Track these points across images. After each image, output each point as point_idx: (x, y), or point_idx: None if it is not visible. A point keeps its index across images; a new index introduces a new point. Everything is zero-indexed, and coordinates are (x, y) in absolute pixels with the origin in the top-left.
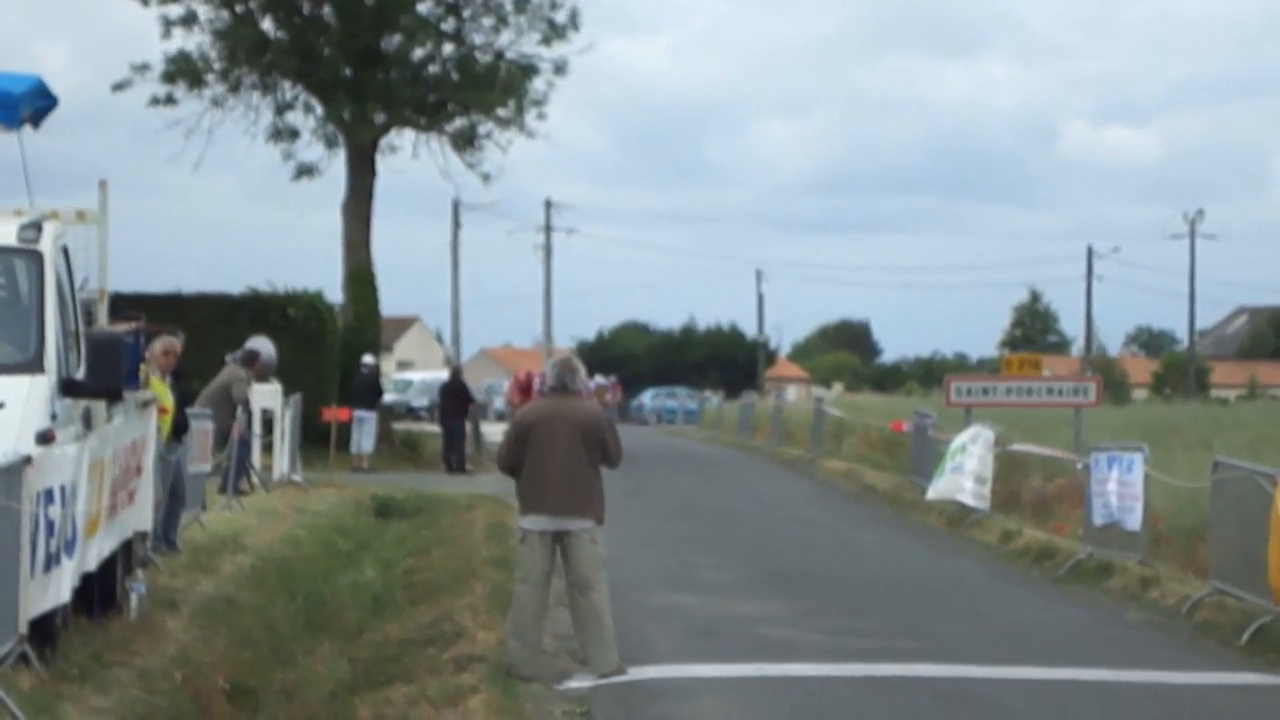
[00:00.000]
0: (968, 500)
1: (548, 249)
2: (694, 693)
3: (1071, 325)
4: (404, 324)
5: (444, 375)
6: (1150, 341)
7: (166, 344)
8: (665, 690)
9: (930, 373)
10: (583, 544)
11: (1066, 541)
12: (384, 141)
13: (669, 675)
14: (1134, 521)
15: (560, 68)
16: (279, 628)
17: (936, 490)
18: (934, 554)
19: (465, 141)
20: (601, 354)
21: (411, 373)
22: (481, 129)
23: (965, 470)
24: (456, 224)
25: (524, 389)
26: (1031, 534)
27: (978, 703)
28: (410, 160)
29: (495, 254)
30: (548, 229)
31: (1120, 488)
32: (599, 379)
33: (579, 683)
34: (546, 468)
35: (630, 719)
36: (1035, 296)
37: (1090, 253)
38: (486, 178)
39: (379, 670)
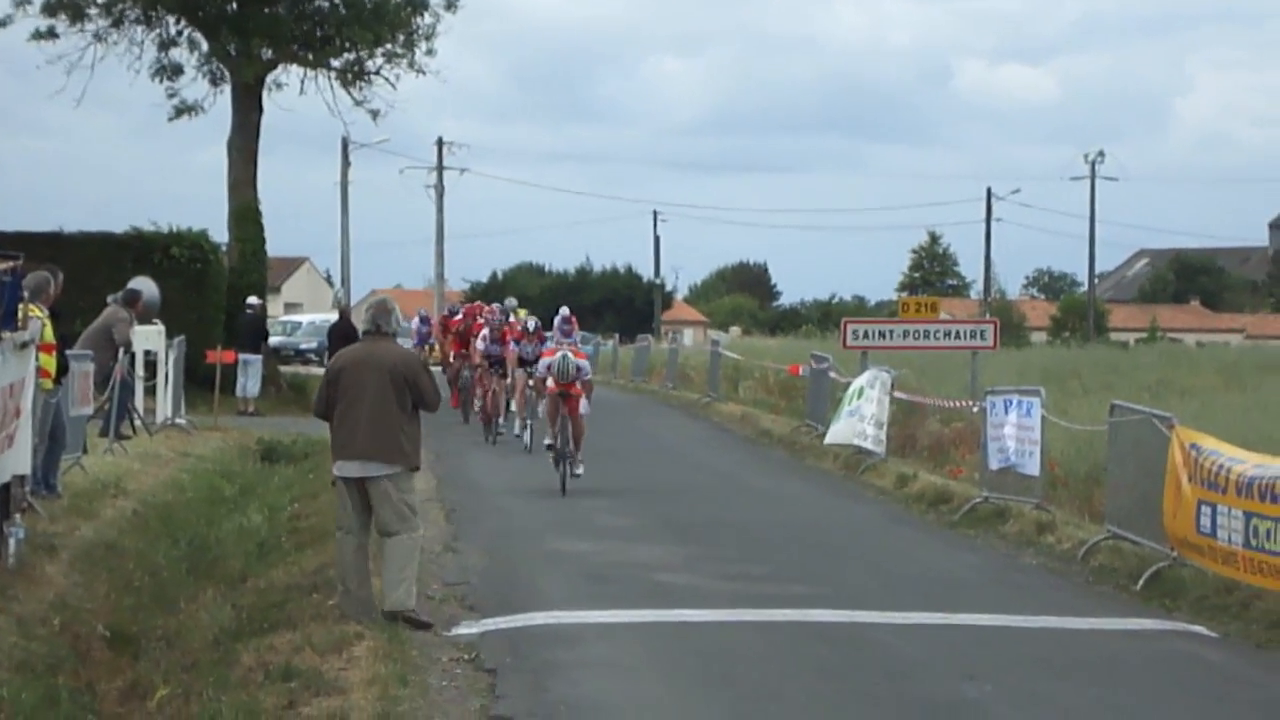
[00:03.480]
0: (866, 444)
1: (440, 188)
2: (586, 638)
3: (970, 268)
4: (292, 264)
5: (333, 317)
6: (1049, 284)
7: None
8: (556, 635)
9: (828, 316)
10: (389, 490)
11: (962, 486)
12: (270, 78)
13: (561, 621)
14: (1031, 466)
15: (451, 3)
16: (161, 574)
17: (834, 435)
18: (830, 498)
19: (353, 77)
20: (495, 296)
21: (300, 314)
22: (370, 64)
23: (863, 414)
24: (345, 162)
25: (462, 338)
26: (928, 478)
27: (873, 648)
28: (298, 97)
29: (386, 194)
30: (440, 168)
31: (1018, 431)
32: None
33: (467, 629)
34: (355, 413)
35: (520, 665)
36: (934, 239)
37: (990, 195)
38: (376, 114)
39: (263, 617)
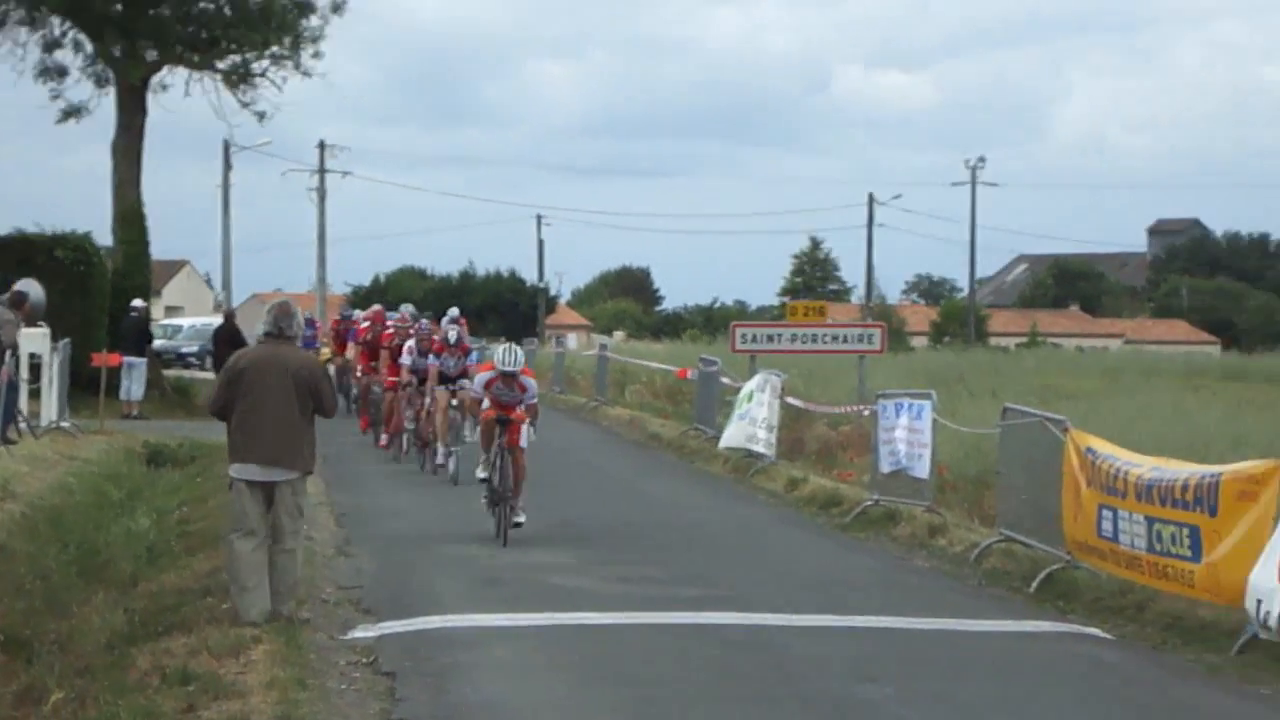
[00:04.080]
0: (757, 448)
1: (321, 192)
2: (483, 641)
3: (852, 273)
4: (173, 268)
5: (215, 321)
6: (929, 290)
7: None
8: (453, 639)
9: (711, 320)
10: (286, 494)
11: (852, 489)
12: (156, 79)
13: (456, 625)
14: (922, 469)
15: (338, 5)
16: (51, 577)
17: (728, 439)
18: (721, 501)
19: (239, 79)
20: (377, 300)
21: (180, 318)
22: (256, 67)
23: (754, 418)
24: (227, 165)
25: (371, 349)
26: (818, 481)
27: (770, 649)
28: (183, 99)
29: (268, 196)
30: (321, 171)
31: (909, 435)
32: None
33: (363, 632)
34: (257, 416)
35: (418, 668)
36: (816, 244)
37: (871, 200)
38: (261, 116)
39: (156, 620)
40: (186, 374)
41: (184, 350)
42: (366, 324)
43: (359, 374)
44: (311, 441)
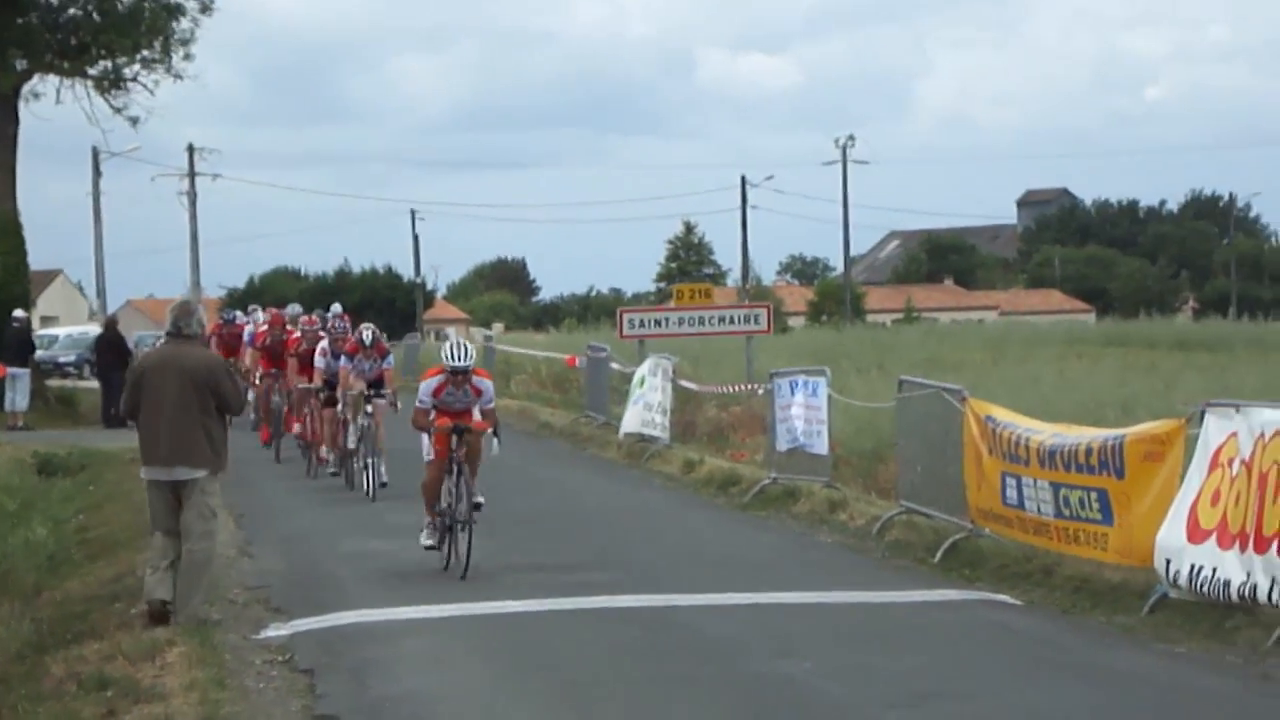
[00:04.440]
0: (654, 432)
1: (192, 195)
2: (398, 634)
3: (726, 256)
4: (47, 278)
5: (91, 329)
6: (802, 270)
7: None
8: (368, 634)
9: (589, 309)
10: (194, 494)
11: (749, 468)
12: (26, 88)
13: (370, 619)
14: (820, 445)
15: (206, 7)
16: None
17: (627, 424)
18: (620, 486)
19: (110, 85)
20: (253, 301)
21: (57, 328)
22: (127, 71)
23: (648, 403)
24: (96, 172)
25: (272, 354)
26: (714, 462)
27: (686, 629)
28: (55, 106)
29: (138, 202)
30: (191, 174)
31: (806, 412)
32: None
33: (276, 631)
34: (157, 417)
35: (335, 664)
36: (689, 228)
37: (744, 182)
38: (135, 121)
39: (66, 628)
40: (68, 384)
41: (61, 359)
42: (264, 328)
43: (257, 380)
44: (219, 439)
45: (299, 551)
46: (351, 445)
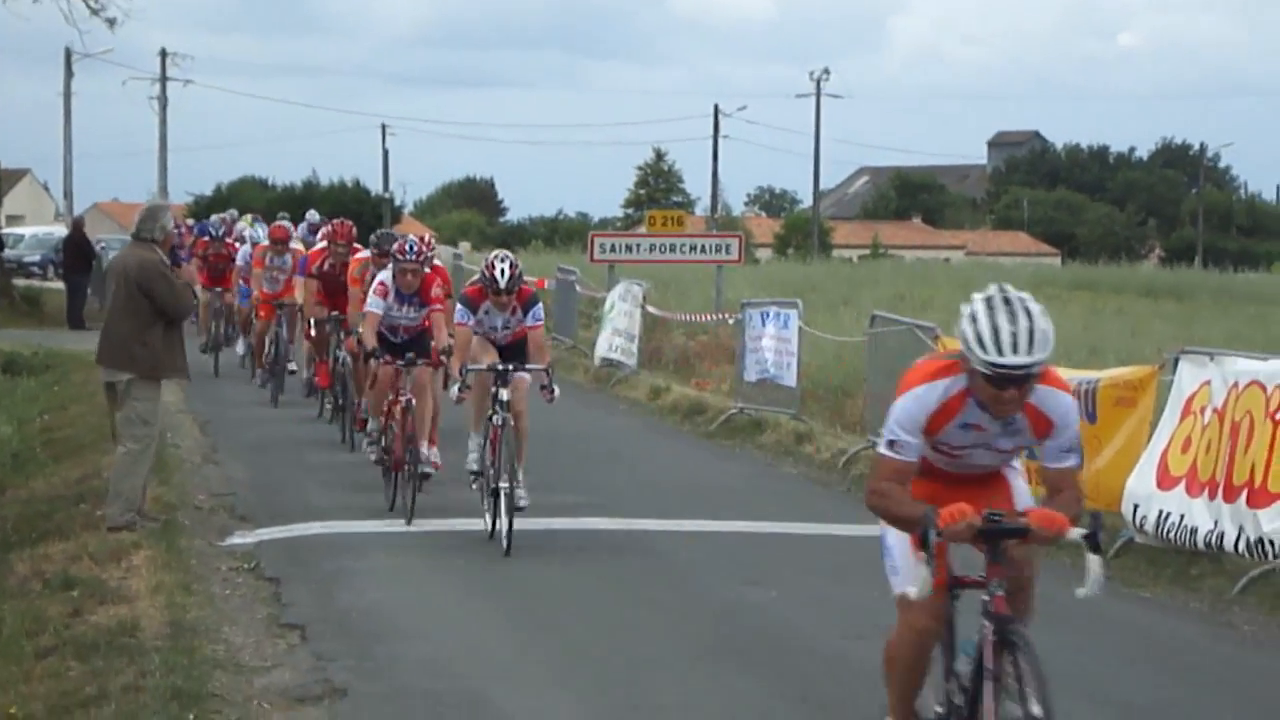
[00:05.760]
0: (619, 357)
1: (163, 100)
2: (363, 547)
3: (696, 185)
4: (14, 176)
5: (57, 230)
6: (770, 202)
7: None
8: (333, 545)
9: (555, 232)
10: (124, 399)
11: (714, 397)
12: None
13: (336, 531)
14: (789, 377)
15: None
16: None
17: (600, 349)
18: (587, 410)
19: None
20: (220, 209)
21: (22, 227)
22: None
23: (617, 328)
24: (69, 73)
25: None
26: (680, 390)
27: (653, 554)
28: (32, 5)
29: (109, 105)
30: (163, 79)
31: (777, 344)
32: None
33: (241, 538)
34: (105, 319)
35: (301, 574)
36: (659, 155)
37: (717, 111)
38: (112, 23)
39: (30, 527)
40: (34, 284)
41: (26, 259)
42: (323, 244)
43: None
44: (154, 344)
45: (265, 460)
46: (473, 467)
